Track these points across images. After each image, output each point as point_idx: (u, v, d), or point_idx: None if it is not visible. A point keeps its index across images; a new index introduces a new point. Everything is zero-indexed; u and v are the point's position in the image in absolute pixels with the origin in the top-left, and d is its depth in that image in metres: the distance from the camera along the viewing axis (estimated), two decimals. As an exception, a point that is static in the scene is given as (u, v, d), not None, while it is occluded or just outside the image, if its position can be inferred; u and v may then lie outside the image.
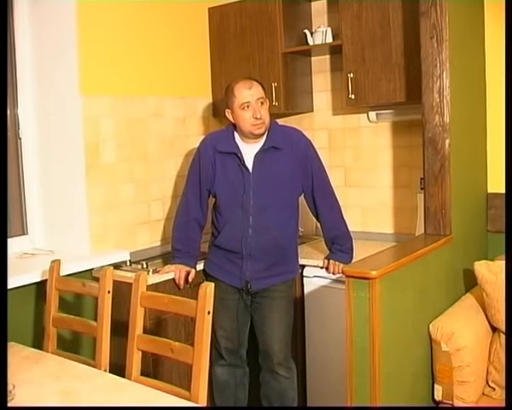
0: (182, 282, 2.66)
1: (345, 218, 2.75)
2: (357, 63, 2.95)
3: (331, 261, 2.73)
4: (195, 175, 2.70)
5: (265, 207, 2.57)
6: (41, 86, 2.85)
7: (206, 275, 2.76)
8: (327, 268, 2.76)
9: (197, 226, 2.74)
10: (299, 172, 2.62)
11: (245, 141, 2.62)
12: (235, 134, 2.64)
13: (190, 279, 2.70)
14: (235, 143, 2.62)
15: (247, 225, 2.57)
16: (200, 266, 2.79)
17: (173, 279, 2.67)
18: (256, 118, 2.52)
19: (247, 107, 2.53)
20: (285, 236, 2.62)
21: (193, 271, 2.72)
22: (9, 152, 2.79)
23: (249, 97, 2.53)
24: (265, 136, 2.61)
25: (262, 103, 2.55)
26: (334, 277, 2.75)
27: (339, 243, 2.73)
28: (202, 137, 2.94)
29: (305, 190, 2.68)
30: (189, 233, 2.72)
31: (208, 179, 2.66)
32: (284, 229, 2.61)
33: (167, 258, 2.97)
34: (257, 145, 2.60)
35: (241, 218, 2.58)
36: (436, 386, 2.34)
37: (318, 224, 2.83)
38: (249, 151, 2.59)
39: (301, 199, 2.73)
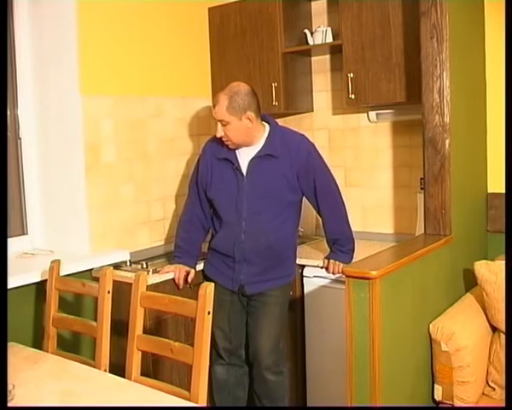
0: (181, 282, 2.66)
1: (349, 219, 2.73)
2: (358, 63, 2.94)
3: (331, 261, 2.72)
4: (195, 177, 2.73)
5: (259, 212, 2.55)
6: (41, 86, 2.85)
7: (204, 276, 2.76)
8: (327, 268, 2.75)
9: (200, 226, 2.74)
10: (298, 179, 2.57)
11: None
12: None
13: (190, 279, 2.70)
14: (232, 148, 2.60)
15: (240, 229, 2.56)
16: (200, 267, 2.79)
17: (173, 279, 2.67)
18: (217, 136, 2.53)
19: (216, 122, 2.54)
20: (280, 239, 2.59)
21: (192, 271, 2.72)
22: (9, 152, 2.79)
23: (213, 114, 2.53)
24: (263, 141, 2.58)
25: (224, 124, 2.48)
26: (333, 277, 2.74)
27: (340, 244, 2.71)
28: (201, 138, 2.94)
29: (307, 194, 2.65)
30: (192, 231, 2.73)
31: (204, 182, 2.67)
32: (279, 233, 2.58)
33: (167, 258, 2.97)
34: (254, 149, 2.57)
35: (234, 222, 2.57)
36: (436, 386, 2.34)
37: (320, 223, 2.82)
38: (245, 155, 2.58)
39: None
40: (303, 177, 2.59)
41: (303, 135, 2.69)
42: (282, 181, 2.56)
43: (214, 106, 2.51)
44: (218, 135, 2.51)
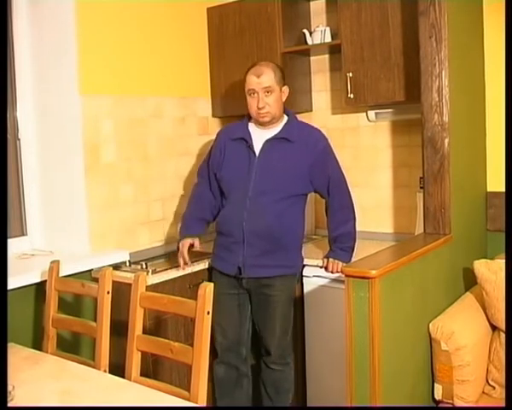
0: (185, 255, 2.71)
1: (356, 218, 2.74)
2: (357, 63, 2.94)
3: (330, 260, 2.72)
4: (207, 159, 2.82)
5: (264, 193, 2.57)
6: (40, 87, 2.85)
7: (209, 269, 2.80)
8: (326, 267, 2.75)
9: (208, 204, 2.79)
10: (312, 169, 2.61)
11: (258, 127, 2.65)
12: (250, 122, 2.69)
13: (196, 247, 2.76)
14: (248, 130, 2.66)
15: (244, 207, 2.58)
16: (204, 265, 2.82)
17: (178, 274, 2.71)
18: (258, 107, 2.55)
19: (253, 94, 2.57)
20: (281, 224, 2.58)
21: (196, 240, 2.77)
22: (9, 153, 2.79)
23: (255, 85, 2.56)
24: (280, 127, 2.63)
25: (269, 92, 2.55)
26: (333, 276, 2.74)
27: (341, 241, 2.71)
28: (201, 138, 2.95)
29: (319, 187, 2.68)
30: (199, 204, 2.80)
31: (216, 164, 2.72)
32: (280, 218, 2.57)
33: (167, 258, 2.97)
34: (270, 132, 2.62)
35: (240, 200, 2.60)
36: (436, 385, 2.34)
37: (319, 223, 2.82)
38: (260, 137, 2.62)
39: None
40: (318, 168, 2.62)
41: (319, 129, 2.75)
42: (294, 167, 2.59)
43: (259, 76, 2.55)
44: (261, 105, 2.54)
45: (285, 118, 2.67)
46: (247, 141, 2.63)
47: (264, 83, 2.55)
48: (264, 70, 2.57)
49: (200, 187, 2.85)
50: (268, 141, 2.61)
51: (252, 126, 2.67)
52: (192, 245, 2.76)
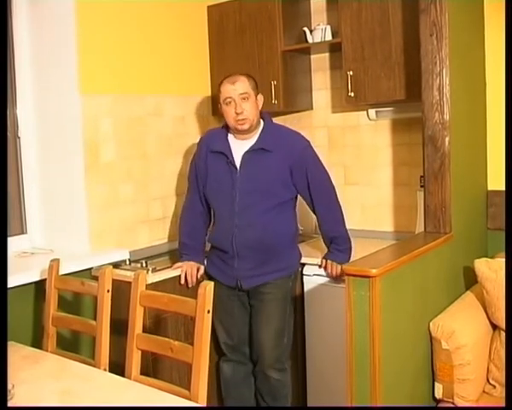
0: (194, 279, 2.67)
1: (345, 219, 2.72)
2: (357, 61, 2.94)
3: (328, 261, 2.72)
4: (193, 173, 2.76)
5: (249, 206, 2.56)
6: (40, 85, 2.85)
7: (206, 274, 2.77)
8: (325, 268, 2.74)
9: (202, 220, 2.77)
10: (292, 173, 2.59)
11: (236, 138, 2.63)
12: (229, 133, 2.67)
13: (199, 276, 2.71)
14: (227, 141, 2.64)
15: (233, 224, 2.58)
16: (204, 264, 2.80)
17: (185, 278, 2.67)
18: (236, 113, 2.53)
19: (229, 102, 2.56)
20: (271, 234, 2.58)
21: (202, 267, 2.74)
22: (9, 151, 2.79)
23: (231, 92, 2.55)
24: (257, 135, 2.61)
25: (245, 99, 2.55)
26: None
27: (337, 243, 2.71)
28: (201, 136, 2.93)
29: (301, 191, 2.66)
30: (194, 225, 2.76)
31: (202, 178, 2.70)
32: (270, 227, 2.57)
33: (167, 257, 2.97)
34: (248, 143, 2.60)
35: (228, 216, 2.59)
36: (436, 384, 2.34)
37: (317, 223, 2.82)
38: (239, 149, 2.60)
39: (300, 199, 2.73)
40: (297, 171, 2.60)
41: (299, 132, 2.71)
42: (275, 176, 2.58)
43: (234, 83, 2.56)
44: (239, 110, 2.53)
45: (261, 124, 2.65)
46: (227, 156, 2.60)
47: (239, 89, 2.55)
48: (238, 78, 2.58)
49: (192, 201, 2.77)
50: (246, 153, 2.59)
51: (230, 138, 2.65)
52: (198, 269, 2.73)
